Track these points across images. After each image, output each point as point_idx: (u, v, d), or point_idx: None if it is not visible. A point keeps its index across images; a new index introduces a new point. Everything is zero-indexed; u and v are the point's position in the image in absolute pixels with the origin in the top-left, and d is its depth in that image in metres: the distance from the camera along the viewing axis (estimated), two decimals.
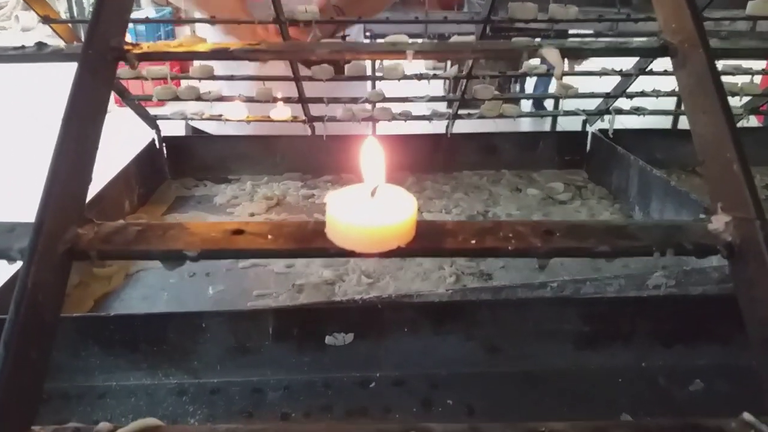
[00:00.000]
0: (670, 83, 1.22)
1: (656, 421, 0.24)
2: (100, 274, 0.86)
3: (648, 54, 0.32)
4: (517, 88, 4.18)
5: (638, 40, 0.32)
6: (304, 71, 0.98)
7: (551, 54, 0.30)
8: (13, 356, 0.25)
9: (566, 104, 1.22)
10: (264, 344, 0.66)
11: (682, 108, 1.33)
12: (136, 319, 0.64)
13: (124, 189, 1.05)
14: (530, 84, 4.49)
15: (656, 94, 1.16)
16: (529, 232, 0.27)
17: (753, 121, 1.63)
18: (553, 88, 1.52)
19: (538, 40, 0.32)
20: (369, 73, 1.04)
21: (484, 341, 0.68)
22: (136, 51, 0.31)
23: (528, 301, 0.69)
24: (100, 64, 0.30)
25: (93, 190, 0.93)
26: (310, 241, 0.27)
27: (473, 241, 0.27)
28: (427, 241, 0.27)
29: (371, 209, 0.27)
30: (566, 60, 0.32)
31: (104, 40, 0.30)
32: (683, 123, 1.40)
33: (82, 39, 0.45)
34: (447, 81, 3.79)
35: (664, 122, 1.64)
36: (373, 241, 0.26)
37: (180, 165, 1.25)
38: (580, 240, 0.26)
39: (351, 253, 0.26)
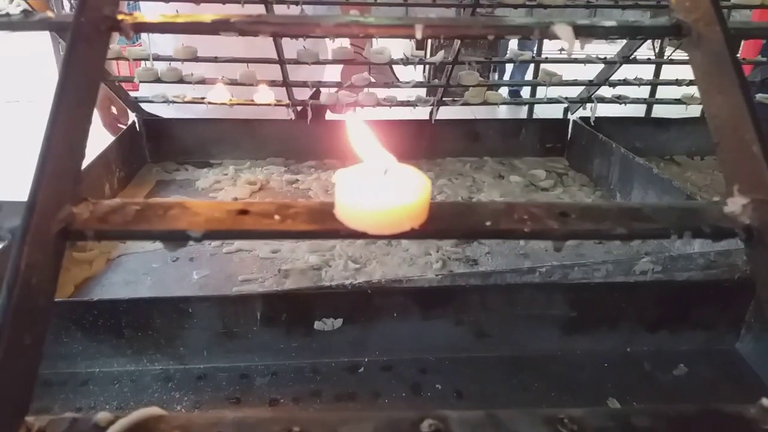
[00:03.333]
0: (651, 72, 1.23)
1: (675, 407, 0.23)
2: (80, 259, 0.83)
3: (660, 33, 0.31)
4: (496, 76, 4.19)
5: (649, 21, 0.32)
6: (289, 54, 0.96)
7: (564, 31, 0.30)
8: (6, 343, 0.23)
9: (546, 92, 1.22)
10: (252, 329, 0.65)
11: (656, 96, 1.34)
12: (121, 303, 0.63)
13: (104, 172, 1.02)
14: (507, 73, 4.51)
15: (638, 82, 1.16)
16: (544, 213, 0.26)
17: None
18: (530, 76, 1.51)
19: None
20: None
21: (472, 326, 0.68)
22: (131, 20, 0.30)
23: (516, 287, 0.69)
24: (94, 34, 0.28)
25: None
26: (320, 222, 0.26)
27: (488, 223, 0.26)
28: (440, 222, 0.26)
29: (383, 189, 0.26)
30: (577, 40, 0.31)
31: (97, 8, 0.28)
32: (657, 112, 1.39)
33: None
34: (426, 68, 3.79)
35: (641, 111, 1.65)
36: (386, 222, 0.25)
37: (161, 148, 1.22)
38: (597, 222, 0.26)
39: (363, 235, 0.25)
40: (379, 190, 0.26)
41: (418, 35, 0.29)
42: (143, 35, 1.08)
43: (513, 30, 0.31)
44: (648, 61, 1.10)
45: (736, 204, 0.26)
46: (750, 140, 0.26)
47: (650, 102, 1.33)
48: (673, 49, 1.44)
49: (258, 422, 0.23)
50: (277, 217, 0.26)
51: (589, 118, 1.26)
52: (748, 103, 0.26)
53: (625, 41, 1.06)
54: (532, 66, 2.72)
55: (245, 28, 0.29)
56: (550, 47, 1.29)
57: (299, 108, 1.17)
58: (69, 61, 0.27)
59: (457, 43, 0.95)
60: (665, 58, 1.27)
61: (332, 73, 1.23)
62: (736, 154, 0.27)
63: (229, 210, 0.26)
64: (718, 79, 0.28)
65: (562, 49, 1.12)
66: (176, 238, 0.25)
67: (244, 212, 0.26)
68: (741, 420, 0.24)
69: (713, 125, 0.28)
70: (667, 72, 1.20)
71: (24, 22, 0.33)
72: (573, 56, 1.07)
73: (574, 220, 0.26)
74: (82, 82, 0.27)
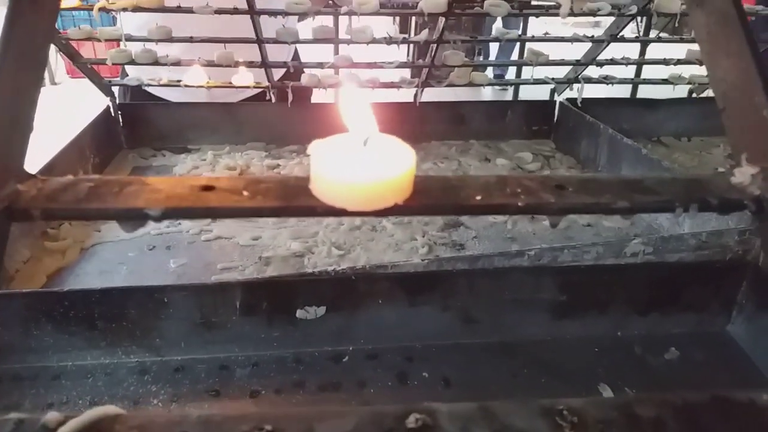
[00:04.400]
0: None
1: (681, 394, 0.21)
2: (52, 248, 0.80)
3: None
4: (481, 57, 4.16)
5: None
6: (267, 33, 0.92)
7: None
8: None
9: (532, 72, 1.20)
10: (231, 319, 0.63)
11: (642, 77, 1.33)
12: (93, 294, 0.60)
13: (78, 158, 0.98)
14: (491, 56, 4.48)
15: (626, 61, 1.14)
16: (539, 187, 0.24)
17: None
18: (516, 56, 1.50)
19: None
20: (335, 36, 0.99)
21: (460, 312, 0.66)
22: None
23: (505, 270, 0.67)
24: None
25: (43, 160, 0.87)
26: (293, 199, 0.23)
27: (478, 198, 0.24)
28: (426, 197, 0.24)
29: (364, 161, 0.23)
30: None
31: None
32: (643, 92, 1.37)
33: None
34: (410, 51, 3.75)
35: (626, 92, 1.62)
36: (367, 197, 0.23)
37: (136, 134, 1.19)
38: (596, 195, 0.24)
39: (341, 212, 0.23)
40: (358, 162, 0.23)
41: None
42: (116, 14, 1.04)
43: None
44: (635, 40, 1.08)
45: (744, 174, 0.24)
46: (760, 104, 0.24)
47: (637, 82, 1.31)
48: (659, 29, 1.42)
49: (225, 420, 0.20)
50: (245, 193, 0.24)
51: (575, 99, 1.24)
52: (757, 65, 0.24)
53: (612, 19, 1.04)
54: (517, 49, 2.69)
55: None
56: (535, 27, 1.26)
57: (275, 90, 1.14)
58: (12, 21, 0.24)
59: (441, 21, 0.92)
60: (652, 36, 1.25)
61: (309, 53, 1.20)
62: (744, 120, 0.25)
63: (193, 186, 0.24)
64: (725, 40, 0.26)
65: (547, 33, 1.09)
66: (133, 217, 0.23)
67: (209, 188, 0.24)
68: (753, 407, 0.22)
69: (719, 90, 0.26)
70: (653, 52, 1.19)
71: None
72: (559, 35, 1.05)
73: (572, 193, 0.24)
74: (28, 45, 0.24)
